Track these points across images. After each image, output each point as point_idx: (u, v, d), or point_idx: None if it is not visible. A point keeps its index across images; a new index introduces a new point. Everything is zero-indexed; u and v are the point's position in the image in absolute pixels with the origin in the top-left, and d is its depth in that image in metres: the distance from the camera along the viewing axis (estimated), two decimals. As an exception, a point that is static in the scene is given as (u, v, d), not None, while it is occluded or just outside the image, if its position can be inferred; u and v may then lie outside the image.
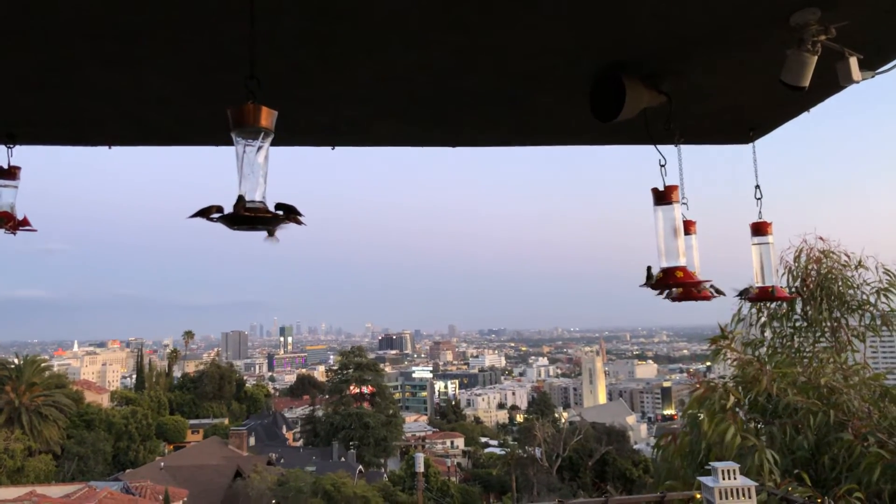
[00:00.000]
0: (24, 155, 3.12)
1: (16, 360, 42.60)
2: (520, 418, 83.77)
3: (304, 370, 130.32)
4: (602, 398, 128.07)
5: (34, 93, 2.69)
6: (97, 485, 24.77)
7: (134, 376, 74.33)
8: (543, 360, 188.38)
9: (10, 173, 3.03)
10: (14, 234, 3.00)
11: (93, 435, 39.73)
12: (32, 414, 37.45)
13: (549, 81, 2.69)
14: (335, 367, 57.27)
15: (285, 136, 2.84)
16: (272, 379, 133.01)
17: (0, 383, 38.33)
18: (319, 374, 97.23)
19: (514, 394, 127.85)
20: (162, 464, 34.81)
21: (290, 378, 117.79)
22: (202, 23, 2.12)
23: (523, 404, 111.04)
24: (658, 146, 2.65)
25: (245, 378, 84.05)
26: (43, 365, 43.95)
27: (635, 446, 48.90)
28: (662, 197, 2.52)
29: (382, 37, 2.26)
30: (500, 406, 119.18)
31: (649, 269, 2.48)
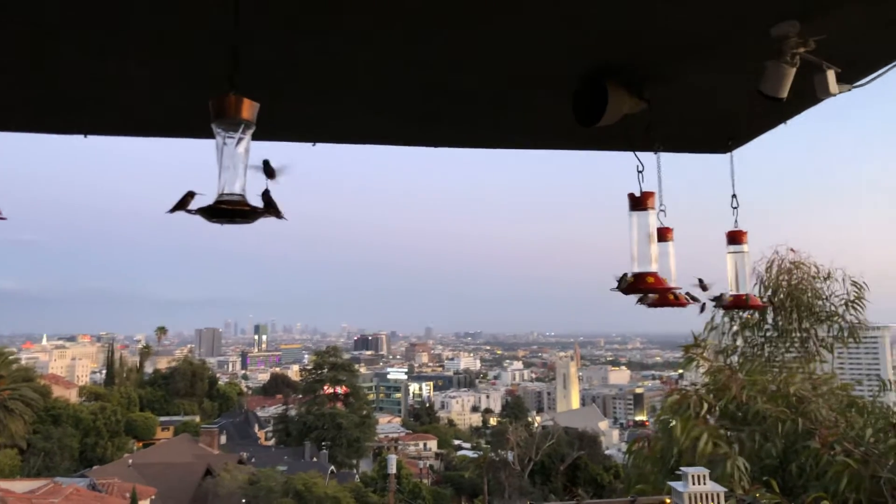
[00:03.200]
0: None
1: (-19, 353, 41.74)
2: (493, 421, 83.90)
3: (278, 369, 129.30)
4: (575, 403, 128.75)
5: (14, 79, 2.64)
6: (63, 481, 24.29)
7: (104, 372, 73.10)
8: (518, 364, 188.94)
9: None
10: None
11: (59, 430, 39.02)
12: (-2, 408, 36.73)
13: (532, 84, 2.70)
14: (309, 367, 56.88)
15: (266, 130, 2.82)
16: (245, 377, 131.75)
17: (-35, 375, 37.56)
18: (293, 373, 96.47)
19: (488, 397, 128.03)
20: (130, 461, 34.26)
21: (264, 377, 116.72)
22: (186, 10, 2.09)
23: (497, 408, 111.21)
24: (637, 153, 2.68)
25: (218, 376, 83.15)
26: (10, 358, 43.06)
27: (607, 451, 49.20)
28: (638, 203, 2.54)
29: (367, 32, 2.25)
30: (474, 409, 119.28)
31: (624, 275, 2.50)
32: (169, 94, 2.78)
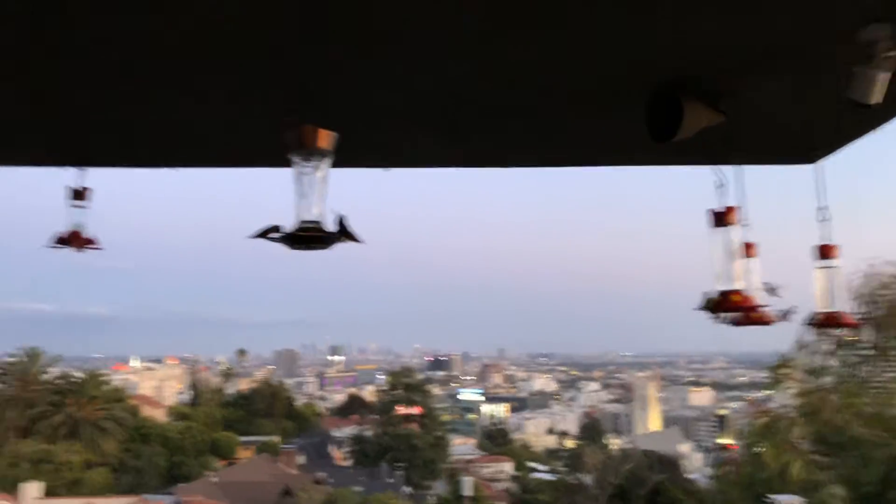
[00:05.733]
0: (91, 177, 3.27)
1: (79, 374, 44.24)
2: (569, 444, 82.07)
3: (353, 389, 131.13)
4: (655, 425, 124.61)
5: (105, 117, 2.81)
6: (151, 498, 25.35)
7: (189, 392, 76.09)
8: (594, 385, 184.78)
9: (81, 195, 3.17)
10: (81, 251, 3.13)
11: (149, 449, 40.72)
12: (92, 427, 38.69)
13: (600, 99, 2.66)
14: (384, 388, 57.44)
15: (340, 157, 2.89)
16: (322, 398, 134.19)
17: (63, 396, 39.80)
18: (368, 393, 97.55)
19: (563, 419, 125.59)
20: (213, 479, 35.41)
21: (340, 397, 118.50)
22: (259, 45, 2.17)
23: (573, 430, 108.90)
24: (716, 167, 2.59)
25: (296, 396, 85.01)
26: (103, 379, 45.45)
27: (690, 476, 47.28)
28: (720, 219, 2.46)
29: (419, 52, 2.27)
30: (550, 431, 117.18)
31: (706, 294, 2.42)
32: (246, 125, 2.90)
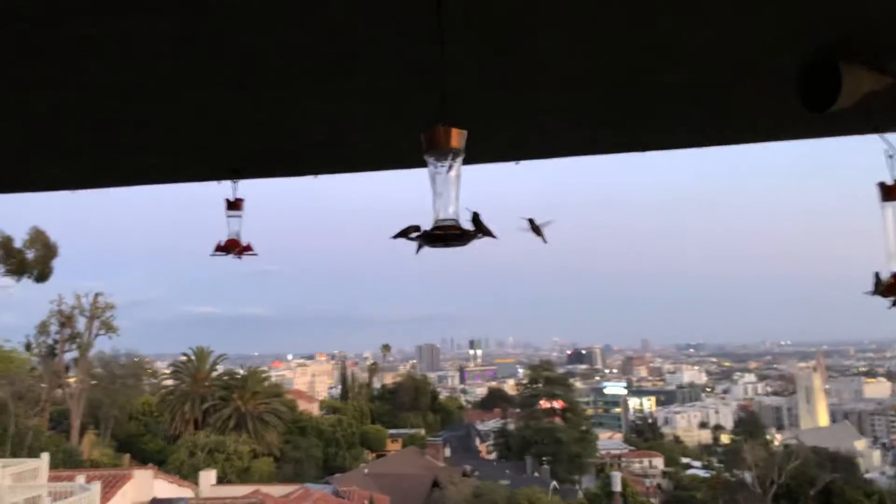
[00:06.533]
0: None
1: (241, 371, 48.26)
2: (725, 439, 77.75)
3: (494, 383, 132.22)
4: (823, 420, 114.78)
5: (256, 130, 3.03)
6: (312, 487, 27.04)
7: (339, 387, 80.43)
8: (750, 377, 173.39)
9: (236, 205, 3.43)
10: (240, 258, 3.39)
11: (306, 441, 43.50)
12: (256, 420, 41.98)
13: (751, 72, 2.48)
14: (524, 381, 57.45)
15: (471, 154, 2.91)
16: (464, 391, 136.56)
17: (229, 391, 43.55)
18: (509, 387, 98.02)
19: (717, 412, 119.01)
20: (366, 470, 37.13)
21: (481, 391, 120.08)
22: (396, 50, 2.24)
23: (729, 424, 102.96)
24: (884, 135, 2.33)
25: (438, 390, 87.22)
26: (263, 375, 49.16)
27: (867, 475, 43.15)
28: (891, 192, 2.21)
29: (567, 41, 2.23)
30: (702, 425, 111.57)
31: (877, 275, 2.18)
32: (382, 130, 3.00)
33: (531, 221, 2.18)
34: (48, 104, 2.69)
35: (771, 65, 2.41)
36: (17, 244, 25.33)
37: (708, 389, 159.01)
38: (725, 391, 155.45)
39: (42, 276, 25.79)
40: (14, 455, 23.98)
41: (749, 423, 79.18)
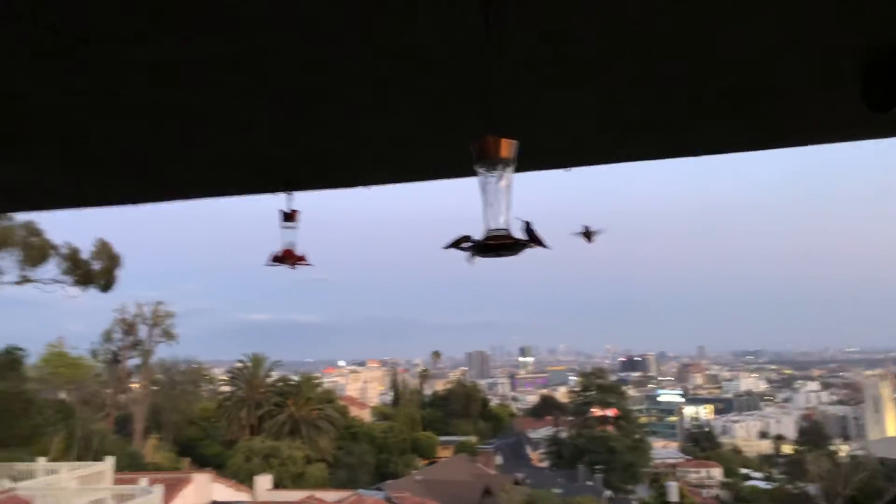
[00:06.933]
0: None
1: (296, 378, 49.11)
2: (787, 449, 75.02)
3: (545, 390, 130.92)
4: (892, 430, 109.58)
5: (308, 144, 3.09)
6: (365, 493, 27.25)
7: (390, 393, 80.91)
8: (813, 385, 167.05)
9: (291, 217, 3.51)
10: (294, 268, 3.46)
11: (358, 447, 43.89)
12: (309, 426, 42.60)
13: (810, 75, 2.41)
14: (577, 389, 56.72)
15: (523, 161, 2.91)
16: (515, 399, 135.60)
17: (284, 398, 44.35)
18: (560, 395, 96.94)
19: (778, 422, 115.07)
20: (417, 477, 37.22)
21: (532, 398, 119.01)
22: (445, 62, 2.26)
23: (790, 434, 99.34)
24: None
25: (489, 397, 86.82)
26: (316, 382, 49.88)
27: (941, 490, 40.88)
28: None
29: (612, 49, 2.21)
30: (762, 435, 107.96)
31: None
32: (433, 140, 3.02)
33: (586, 228, 2.29)
34: (116, 126, 2.83)
35: (832, 66, 2.33)
36: (84, 255, 26.36)
37: (768, 398, 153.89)
38: (786, 400, 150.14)
39: (107, 285, 26.79)
40: (80, 458, 24.94)
41: (812, 433, 76.24)
